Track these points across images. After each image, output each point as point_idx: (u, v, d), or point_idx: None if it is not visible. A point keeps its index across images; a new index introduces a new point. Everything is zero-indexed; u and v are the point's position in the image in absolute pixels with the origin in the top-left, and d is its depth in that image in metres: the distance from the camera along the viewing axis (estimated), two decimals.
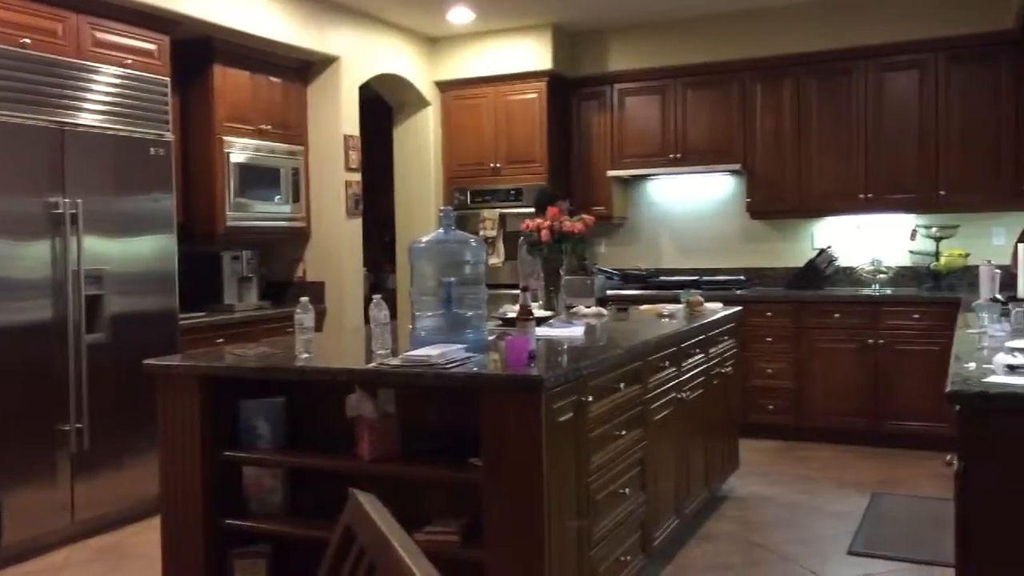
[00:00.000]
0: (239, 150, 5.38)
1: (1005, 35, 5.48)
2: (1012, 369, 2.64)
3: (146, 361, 3.08)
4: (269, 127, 5.63)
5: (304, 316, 3.18)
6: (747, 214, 6.35)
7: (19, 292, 3.94)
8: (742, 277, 6.30)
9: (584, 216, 4.35)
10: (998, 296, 4.71)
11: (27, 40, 4.04)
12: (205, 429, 2.95)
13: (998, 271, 4.89)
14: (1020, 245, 4.88)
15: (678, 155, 6.42)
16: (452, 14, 6.20)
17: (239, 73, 5.43)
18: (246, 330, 4.95)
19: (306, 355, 3.09)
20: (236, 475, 3.03)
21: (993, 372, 2.60)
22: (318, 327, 5.17)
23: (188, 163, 5.19)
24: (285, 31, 5.49)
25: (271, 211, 5.61)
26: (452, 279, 3.23)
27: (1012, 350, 2.92)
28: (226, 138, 5.30)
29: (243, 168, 5.38)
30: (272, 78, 5.71)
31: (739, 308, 4.85)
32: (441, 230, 3.34)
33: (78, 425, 4.16)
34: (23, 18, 4.04)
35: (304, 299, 3.24)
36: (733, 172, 6.25)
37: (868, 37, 5.92)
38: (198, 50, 5.18)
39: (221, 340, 4.72)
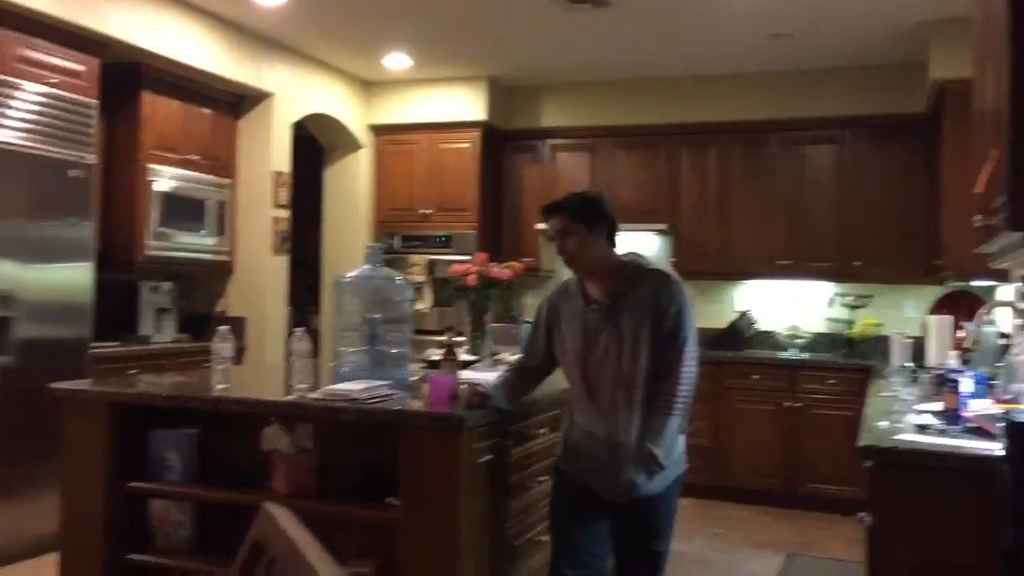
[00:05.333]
0: (164, 179, 5.25)
1: (916, 117, 5.78)
2: (922, 429, 2.73)
3: (52, 384, 2.94)
4: (197, 158, 5.53)
5: (222, 346, 3.09)
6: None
7: None
8: None
9: (513, 263, 4.38)
10: (908, 364, 4.90)
11: None
12: (111, 458, 2.82)
13: (909, 341, 5.10)
14: (931, 317, 5.10)
15: None
16: (389, 60, 6.24)
17: (168, 101, 5.34)
18: (162, 362, 4.77)
19: (222, 385, 2.99)
20: (142, 508, 2.89)
21: (903, 431, 2.68)
22: (237, 363, 5.03)
23: (110, 189, 5.04)
24: (218, 63, 5.43)
25: (194, 243, 5.48)
26: (377, 315, 3.19)
27: (921, 411, 3.03)
28: (151, 166, 5.18)
29: (167, 197, 5.25)
30: (203, 109, 5.62)
31: None
32: (368, 266, 3.30)
33: None
34: None
35: (223, 328, 3.15)
36: (659, 232, 6.39)
37: (788, 111, 6.17)
38: (127, 75, 5.08)
39: (135, 371, 4.54)
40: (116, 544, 2.82)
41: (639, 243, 6.69)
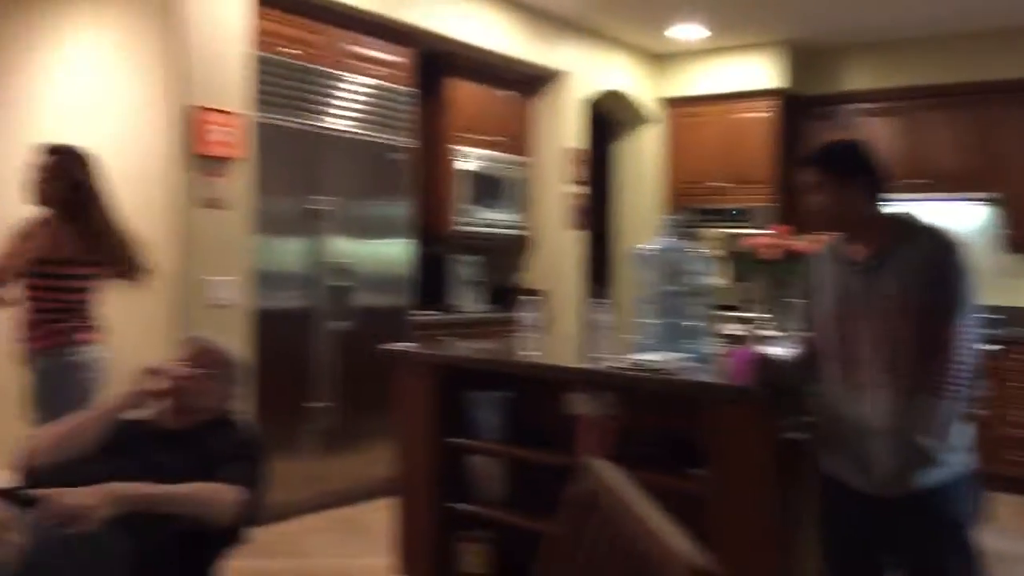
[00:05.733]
0: (469, 159, 5.61)
1: None
2: None
3: (385, 346, 3.27)
4: (497, 138, 5.83)
5: (529, 315, 3.26)
6: (1003, 247, 5.81)
7: (280, 283, 4.35)
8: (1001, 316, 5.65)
9: (819, 236, 4.16)
10: None
11: (292, 50, 4.42)
12: (435, 415, 3.09)
13: None
14: None
15: (922, 181, 5.99)
16: (681, 31, 6.16)
17: (471, 86, 5.67)
18: (472, 330, 5.09)
19: (530, 352, 3.16)
20: (460, 462, 3.14)
21: None
22: (541, 333, 5.27)
23: (422, 170, 5.46)
24: (515, 46, 5.66)
25: (496, 219, 5.81)
26: (674, 288, 3.20)
27: None
28: (457, 147, 5.55)
29: (472, 176, 5.61)
30: (502, 91, 5.92)
31: (999, 347, 4.46)
32: (665, 239, 3.32)
33: (326, 404, 4.52)
34: (288, 30, 4.41)
35: (530, 298, 3.32)
36: (985, 201, 5.76)
37: None
38: (433, 63, 5.44)
39: (448, 337, 4.91)
40: (440, 493, 3.09)
41: (959, 214, 6.09)
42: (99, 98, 4.26)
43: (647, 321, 3.24)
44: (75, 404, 2.95)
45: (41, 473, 2.09)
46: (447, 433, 3.10)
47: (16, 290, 3.35)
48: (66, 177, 3.31)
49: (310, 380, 4.49)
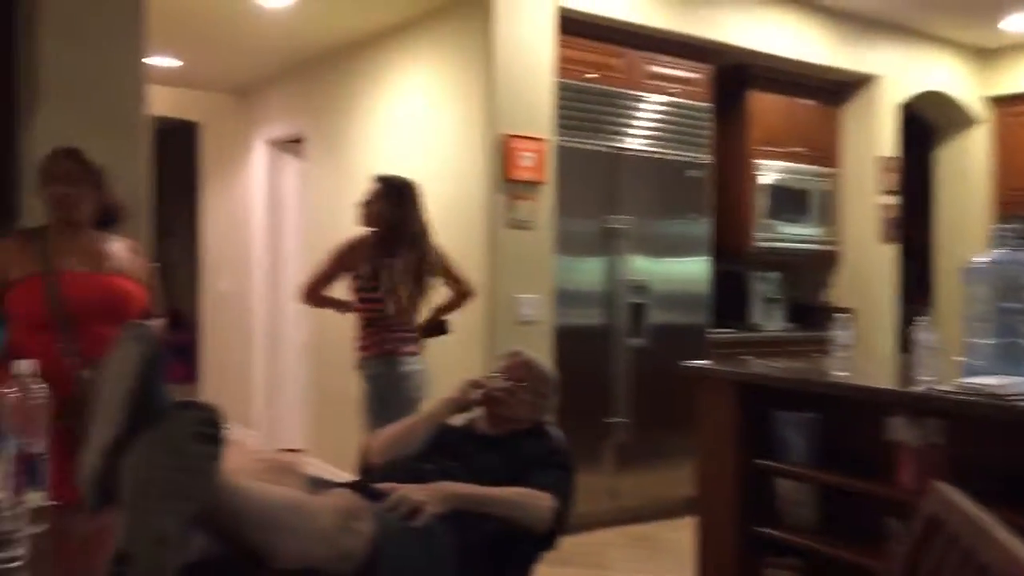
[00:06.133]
0: (770, 172, 5.43)
1: None
2: None
3: (685, 363, 3.26)
4: (800, 149, 5.60)
5: (842, 333, 3.09)
6: None
7: (580, 300, 4.51)
8: None
9: None
10: None
11: (591, 75, 4.57)
12: (739, 435, 3.02)
13: None
14: None
15: None
16: (1015, 22, 5.53)
17: (772, 97, 5.50)
18: (772, 349, 4.93)
19: (842, 372, 2.99)
20: (766, 484, 3.04)
21: None
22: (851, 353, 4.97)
23: (720, 185, 5.38)
24: (820, 52, 5.42)
25: (799, 233, 5.57)
26: (1013, 305, 2.87)
27: None
28: (758, 161, 5.40)
29: (773, 190, 5.43)
30: (804, 100, 5.68)
31: None
32: (999, 250, 2.99)
33: (622, 420, 4.61)
34: (588, 56, 4.57)
35: (842, 316, 3.15)
36: None
37: None
38: (733, 76, 5.35)
39: (746, 356, 4.80)
40: (745, 515, 3.01)
41: None
42: (427, 129, 4.70)
43: (979, 341, 2.93)
44: (400, 410, 3.21)
45: (377, 471, 2.32)
46: (751, 454, 3.01)
47: (345, 298, 3.74)
48: (385, 203, 3.64)
49: (608, 396, 4.58)
